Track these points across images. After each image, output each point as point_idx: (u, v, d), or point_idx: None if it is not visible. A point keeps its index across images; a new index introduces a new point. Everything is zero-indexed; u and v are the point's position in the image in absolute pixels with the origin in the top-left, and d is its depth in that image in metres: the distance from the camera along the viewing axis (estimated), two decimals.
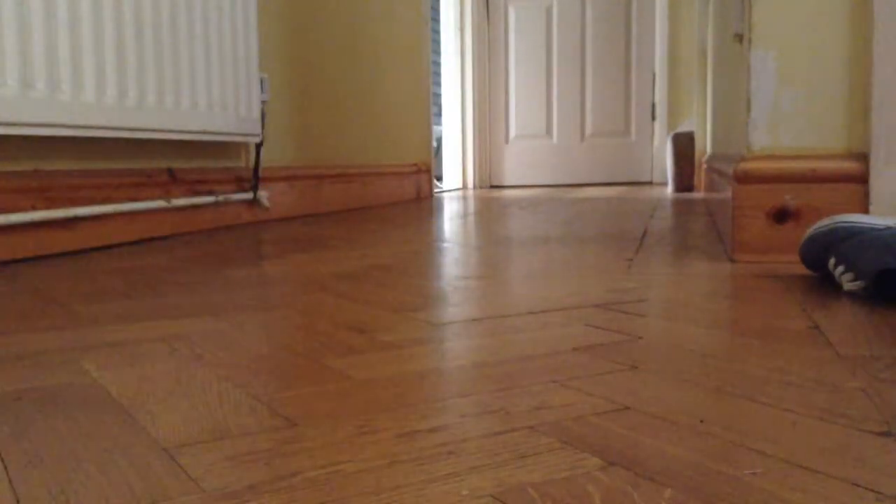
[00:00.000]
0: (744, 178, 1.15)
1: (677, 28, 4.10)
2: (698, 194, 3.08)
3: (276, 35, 2.25)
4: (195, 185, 1.86)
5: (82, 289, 1.05)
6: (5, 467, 0.43)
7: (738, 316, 0.79)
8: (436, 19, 4.48)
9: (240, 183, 2.04)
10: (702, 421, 0.48)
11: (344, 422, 0.49)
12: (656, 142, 4.28)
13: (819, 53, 1.13)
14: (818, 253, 0.98)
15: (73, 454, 0.45)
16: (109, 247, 1.56)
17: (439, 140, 4.73)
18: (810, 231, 1.00)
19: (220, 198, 1.90)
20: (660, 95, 4.22)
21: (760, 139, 1.16)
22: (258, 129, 2.02)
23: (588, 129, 4.39)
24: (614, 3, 4.29)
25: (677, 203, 2.60)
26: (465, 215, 2.30)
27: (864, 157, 1.12)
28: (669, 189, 3.34)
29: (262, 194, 2.10)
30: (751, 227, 1.15)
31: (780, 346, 0.66)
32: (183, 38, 1.73)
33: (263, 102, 2.08)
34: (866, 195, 1.11)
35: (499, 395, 0.54)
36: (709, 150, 2.78)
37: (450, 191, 4.08)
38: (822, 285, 0.96)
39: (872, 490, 0.37)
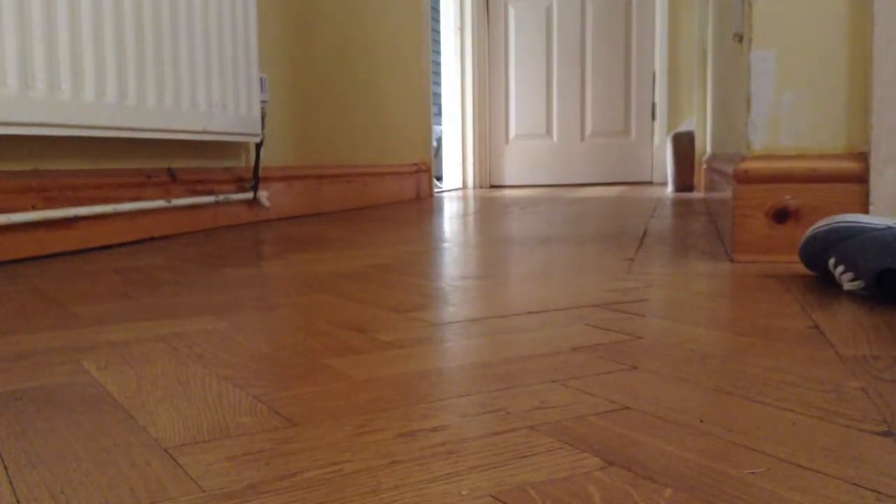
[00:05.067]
0: (744, 178, 1.15)
1: (677, 28, 4.11)
2: (698, 194, 3.08)
3: (276, 35, 2.25)
4: (195, 185, 1.86)
5: (82, 289, 1.05)
6: (5, 467, 0.43)
7: (738, 316, 0.79)
8: (436, 19, 4.48)
9: (240, 183, 2.04)
10: (702, 421, 0.48)
11: (344, 422, 0.49)
12: (656, 142, 4.28)
13: (819, 53, 1.13)
14: (818, 253, 0.98)
15: (73, 454, 0.45)
16: (109, 247, 1.56)
17: (439, 140, 4.73)
18: (810, 231, 1.00)
19: (220, 198, 1.90)
20: (660, 95, 4.22)
21: (760, 139, 1.16)
22: (258, 129, 2.02)
23: (588, 129, 4.39)
24: (614, 3, 4.29)
25: (677, 203, 2.60)
26: (465, 215, 2.30)
27: (863, 157, 1.12)
28: (669, 189, 3.34)
29: (262, 194, 2.10)
30: (751, 226, 1.15)
31: (780, 346, 0.66)
32: (183, 38, 1.73)
33: (263, 102, 2.08)
34: (866, 195, 1.11)
35: (499, 395, 0.54)
36: (709, 150, 2.78)
37: (450, 191, 4.08)
38: (822, 285, 0.96)
39: (872, 490, 0.37)
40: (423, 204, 2.89)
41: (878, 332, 0.71)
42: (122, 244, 1.60)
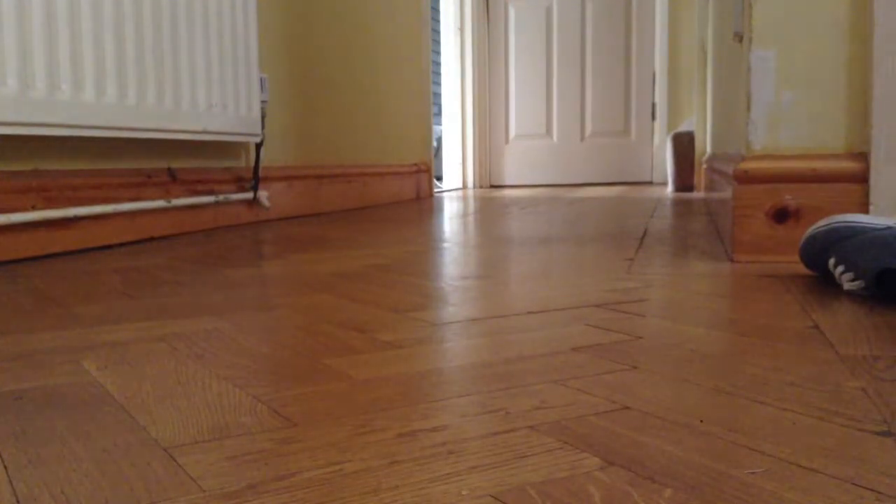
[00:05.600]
0: (744, 178, 1.15)
1: (677, 28, 4.10)
2: (698, 194, 3.08)
3: (276, 35, 2.25)
4: (195, 185, 1.86)
5: (82, 289, 1.05)
6: (5, 467, 0.43)
7: (738, 316, 0.79)
8: (436, 19, 4.48)
9: (240, 183, 2.04)
10: (702, 421, 0.48)
11: (344, 422, 0.49)
12: (656, 142, 4.28)
13: (819, 53, 1.13)
14: (818, 253, 0.98)
15: (73, 454, 0.45)
16: (109, 247, 1.56)
17: (439, 140, 4.73)
18: (810, 231, 1.00)
19: (220, 198, 1.90)
20: (660, 95, 4.22)
21: (760, 139, 1.16)
22: (258, 129, 2.02)
23: (588, 129, 4.39)
24: (614, 3, 4.29)
25: (677, 203, 2.60)
26: (465, 215, 2.30)
27: (864, 157, 1.12)
28: (669, 189, 3.34)
29: (262, 194, 2.10)
30: (751, 226, 1.15)
31: (780, 346, 0.66)
32: (183, 38, 1.73)
33: (263, 102, 2.08)
34: (866, 195, 1.11)
35: (499, 395, 0.54)
36: (709, 150, 2.78)
37: (450, 191, 4.08)
38: (822, 285, 0.96)
39: (872, 490, 0.37)
40: (423, 204, 2.89)
41: (878, 332, 0.71)
42: (122, 244, 1.60)
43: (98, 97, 1.48)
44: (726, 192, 1.35)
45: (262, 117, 2.06)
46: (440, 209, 2.59)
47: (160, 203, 1.69)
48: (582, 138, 4.40)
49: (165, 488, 0.40)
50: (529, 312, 0.83)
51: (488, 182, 4.49)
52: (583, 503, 0.37)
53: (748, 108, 1.16)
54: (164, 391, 0.57)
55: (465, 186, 4.42)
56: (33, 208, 1.40)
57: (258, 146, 2.06)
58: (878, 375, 0.57)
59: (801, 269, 1.09)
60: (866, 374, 0.57)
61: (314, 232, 1.82)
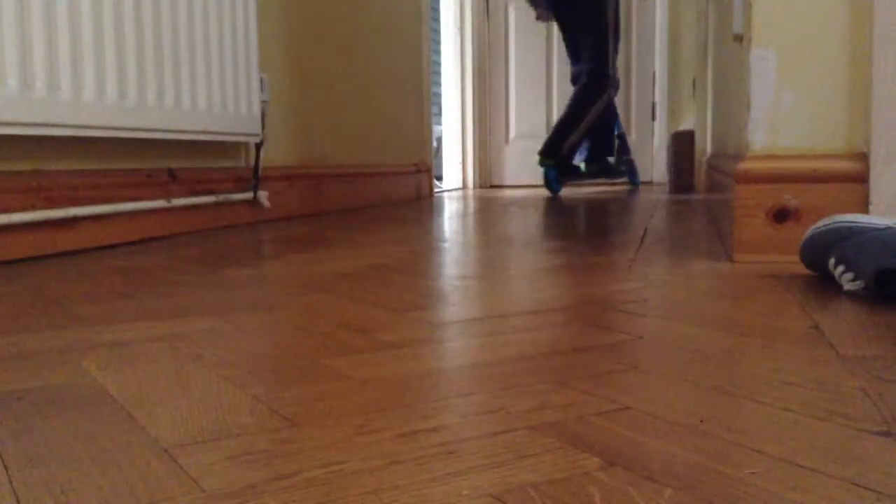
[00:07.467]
0: (744, 178, 1.15)
1: (677, 28, 4.10)
2: (698, 194, 3.08)
3: (276, 35, 2.25)
4: (195, 185, 1.86)
5: (82, 289, 1.05)
6: (5, 467, 0.43)
7: (738, 316, 0.79)
8: (436, 19, 4.48)
9: (240, 183, 2.04)
10: (702, 421, 0.48)
11: (344, 422, 0.49)
12: (656, 142, 4.28)
13: (819, 53, 1.13)
14: (818, 253, 0.98)
15: (73, 454, 0.45)
16: (109, 247, 1.56)
17: (439, 140, 4.73)
18: (810, 231, 1.00)
19: (220, 198, 1.90)
20: (660, 95, 4.22)
21: (760, 139, 1.16)
22: (258, 129, 2.02)
23: None
24: None
25: (677, 203, 2.60)
26: (464, 215, 2.30)
27: (864, 157, 1.12)
28: (669, 189, 3.34)
29: (262, 194, 2.10)
30: (751, 226, 1.15)
31: (780, 346, 0.66)
32: (183, 39, 1.73)
33: (263, 102, 2.08)
34: (866, 195, 1.11)
35: (499, 395, 0.54)
36: (709, 150, 2.78)
37: (450, 191, 4.08)
38: (822, 285, 0.96)
39: (872, 490, 0.37)
40: (423, 204, 2.89)
41: (878, 332, 0.71)
42: (122, 244, 1.60)
43: (98, 97, 1.48)
44: (726, 192, 1.35)
45: (262, 117, 2.06)
46: (440, 209, 2.59)
47: (160, 203, 1.69)
48: None
49: (165, 488, 0.40)
50: (529, 312, 0.83)
51: (488, 182, 4.49)
52: (583, 503, 0.37)
53: (748, 108, 1.16)
54: (164, 391, 0.57)
55: (464, 186, 4.42)
56: (33, 208, 1.40)
57: (258, 146, 2.06)
58: (878, 375, 0.57)
59: (801, 269, 1.09)
60: (866, 374, 0.57)
61: (314, 232, 1.82)
